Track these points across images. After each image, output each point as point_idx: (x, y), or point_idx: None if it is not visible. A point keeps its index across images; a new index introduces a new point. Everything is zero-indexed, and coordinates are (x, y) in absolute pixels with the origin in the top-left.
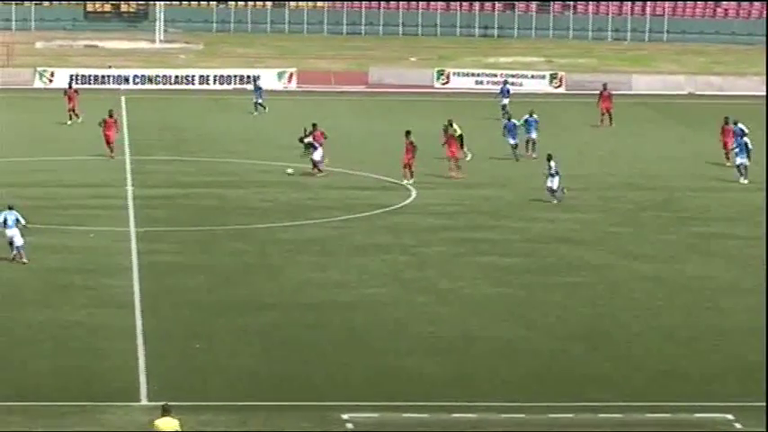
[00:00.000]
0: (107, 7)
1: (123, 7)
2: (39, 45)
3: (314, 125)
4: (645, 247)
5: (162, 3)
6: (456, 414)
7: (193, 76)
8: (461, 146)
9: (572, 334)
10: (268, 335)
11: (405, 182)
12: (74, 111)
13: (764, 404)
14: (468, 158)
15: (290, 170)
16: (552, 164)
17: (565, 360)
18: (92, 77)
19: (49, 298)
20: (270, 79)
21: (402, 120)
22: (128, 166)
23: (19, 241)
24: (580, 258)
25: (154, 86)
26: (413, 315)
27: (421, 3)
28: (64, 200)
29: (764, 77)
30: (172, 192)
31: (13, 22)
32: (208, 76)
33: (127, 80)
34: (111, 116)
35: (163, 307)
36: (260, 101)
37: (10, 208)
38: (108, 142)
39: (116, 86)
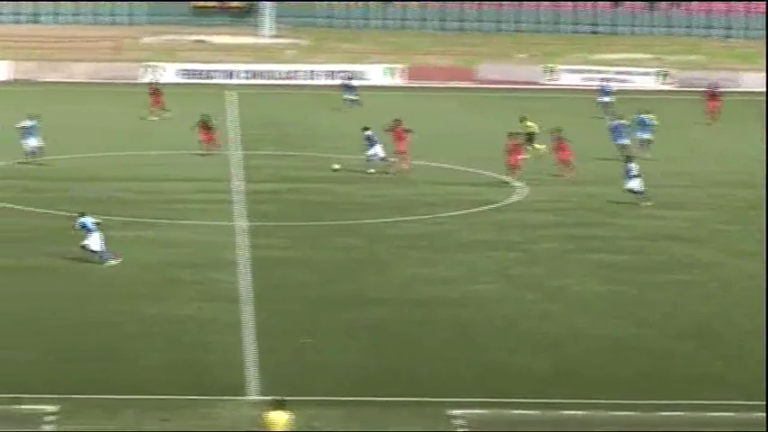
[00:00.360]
0: (214, 3)
1: (231, 3)
2: (147, 40)
3: (396, 120)
4: (754, 245)
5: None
6: (565, 411)
7: (301, 71)
8: (531, 143)
9: (682, 332)
10: (376, 330)
11: (510, 179)
12: (160, 107)
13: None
14: (533, 154)
15: (336, 166)
16: (633, 165)
17: (675, 358)
18: (199, 72)
19: (158, 292)
20: (377, 75)
21: (509, 116)
22: (233, 161)
23: (96, 246)
24: (690, 256)
25: (261, 81)
26: (521, 312)
27: (528, 1)
28: (170, 194)
29: None
30: (280, 186)
31: (121, 17)
32: (314, 71)
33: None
34: (205, 121)
35: (271, 302)
36: (352, 97)
37: (82, 214)
38: (206, 143)
39: (223, 82)
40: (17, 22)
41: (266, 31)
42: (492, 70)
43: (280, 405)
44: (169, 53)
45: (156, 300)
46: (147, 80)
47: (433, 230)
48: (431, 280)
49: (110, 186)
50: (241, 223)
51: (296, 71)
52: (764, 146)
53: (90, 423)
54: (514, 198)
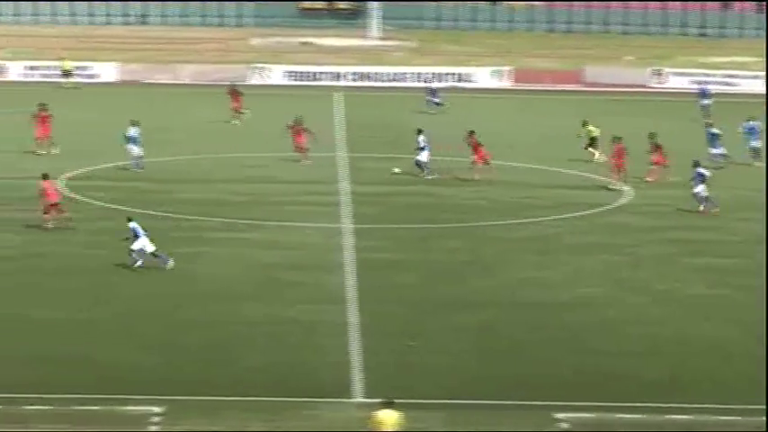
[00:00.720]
0: (322, 4)
1: (338, 5)
2: (254, 42)
3: (470, 132)
4: None
5: (377, 0)
6: (670, 415)
7: (408, 73)
8: (595, 147)
9: None
10: (482, 333)
11: (616, 184)
12: (238, 110)
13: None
14: (598, 159)
15: (396, 170)
16: (701, 170)
17: None
18: (306, 74)
19: (263, 294)
20: (484, 77)
21: (616, 119)
22: (340, 163)
23: (150, 248)
24: None
25: (368, 83)
26: (628, 315)
27: (636, 2)
28: (276, 196)
29: None
30: (386, 189)
31: (229, 19)
32: (421, 73)
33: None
34: (298, 123)
35: (376, 304)
36: (436, 100)
37: (129, 220)
38: (299, 148)
39: (330, 83)
40: (126, 23)
41: (373, 33)
42: (599, 73)
43: (389, 404)
44: (276, 55)
45: (261, 301)
46: (253, 81)
47: (540, 233)
48: (538, 283)
49: (216, 188)
50: (346, 225)
51: (403, 73)
52: None
53: (195, 424)
54: (621, 201)
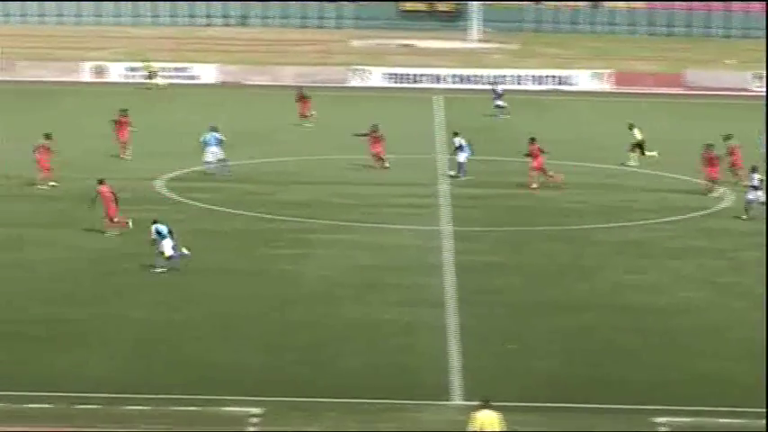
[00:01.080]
0: (422, 6)
1: (438, 6)
2: (354, 44)
3: (531, 139)
4: None
5: (478, 2)
6: None
7: (508, 76)
8: (642, 150)
9: None
10: (581, 336)
11: (710, 190)
12: (306, 114)
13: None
14: (631, 163)
15: (451, 172)
16: (756, 176)
17: None
18: (406, 76)
19: (362, 295)
20: (584, 80)
21: (717, 123)
22: (439, 165)
23: (169, 251)
24: None
25: (468, 86)
26: (729, 320)
27: (739, 2)
28: (375, 198)
29: None
30: (486, 192)
31: (329, 21)
32: (521, 76)
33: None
34: (374, 131)
35: (475, 306)
36: (499, 103)
37: (155, 222)
38: (377, 157)
39: (430, 86)
40: (226, 24)
41: (473, 35)
42: (700, 76)
43: (487, 404)
44: (376, 57)
45: (360, 303)
46: (353, 83)
47: (641, 237)
48: (638, 286)
49: (316, 190)
50: (446, 227)
51: (503, 75)
52: None
53: (292, 426)
54: (722, 205)
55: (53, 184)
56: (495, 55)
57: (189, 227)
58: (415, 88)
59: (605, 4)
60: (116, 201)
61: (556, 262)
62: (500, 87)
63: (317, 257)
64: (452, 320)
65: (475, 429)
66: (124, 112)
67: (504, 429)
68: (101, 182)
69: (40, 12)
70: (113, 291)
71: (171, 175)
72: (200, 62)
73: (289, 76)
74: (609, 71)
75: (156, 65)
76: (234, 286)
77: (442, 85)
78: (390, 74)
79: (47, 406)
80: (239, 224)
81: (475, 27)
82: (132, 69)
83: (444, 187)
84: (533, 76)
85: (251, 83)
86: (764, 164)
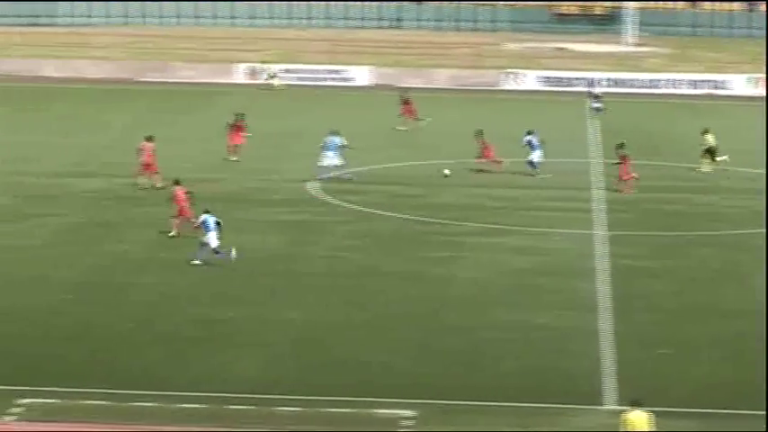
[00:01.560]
0: (576, 9)
1: (593, 9)
2: (508, 47)
3: (619, 145)
4: None
5: (633, 4)
6: None
7: (663, 80)
8: (713, 156)
9: None
10: (737, 342)
11: None
12: (413, 117)
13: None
14: (704, 169)
15: (447, 171)
16: None
17: None
18: (559, 80)
19: (516, 299)
20: (739, 85)
21: None
22: (594, 169)
23: (214, 243)
24: None
25: (623, 90)
26: None
27: None
28: (527, 202)
29: None
30: (640, 196)
31: (484, 24)
32: (677, 80)
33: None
34: (479, 135)
35: (629, 311)
36: (596, 105)
37: (207, 212)
38: (494, 161)
39: (584, 90)
40: (380, 27)
41: (628, 39)
42: None
43: (638, 405)
44: (529, 60)
45: (514, 306)
46: (506, 87)
47: None
48: None
49: (469, 193)
50: (600, 232)
51: (658, 80)
52: None
53: (445, 429)
54: None
55: (160, 185)
56: (650, 59)
57: (340, 229)
58: (568, 92)
59: (761, 5)
60: (191, 203)
61: (710, 267)
62: (598, 90)
63: (470, 260)
64: (606, 325)
65: (626, 430)
66: (240, 116)
67: (655, 430)
68: (176, 183)
69: (196, 13)
70: (267, 291)
71: (324, 176)
72: (355, 64)
73: (442, 78)
74: (761, 75)
75: (275, 67)
76: (387, 288)
77: (596, 89)
78: (544, 77)
79: (199, 406)
80: (392, 226)
81: (629, 30)
82: (287, 71)
83: (598, 192)
84: (689, 81)
85: (405, 85)
86: None
